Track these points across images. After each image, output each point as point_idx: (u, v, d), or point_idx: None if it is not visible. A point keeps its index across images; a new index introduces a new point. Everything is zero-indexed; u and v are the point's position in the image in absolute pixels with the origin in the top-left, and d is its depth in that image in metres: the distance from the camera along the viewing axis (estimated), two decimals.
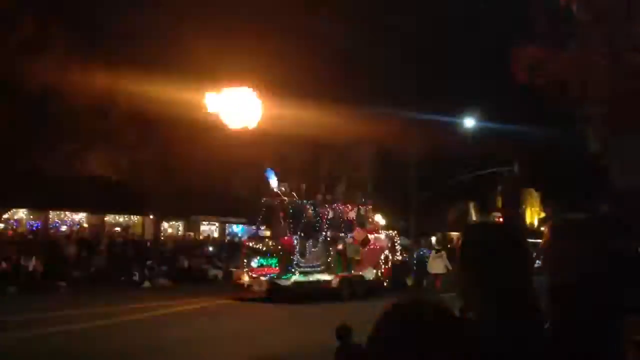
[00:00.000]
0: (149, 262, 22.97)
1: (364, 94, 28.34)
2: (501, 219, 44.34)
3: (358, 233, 19.16)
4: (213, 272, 24.81)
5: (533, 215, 58.03)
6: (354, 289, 18.02)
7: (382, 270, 19.80)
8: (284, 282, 16.73)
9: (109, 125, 20.74)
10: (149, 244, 25.95)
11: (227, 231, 33.34)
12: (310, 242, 17.68)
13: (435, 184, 29.70)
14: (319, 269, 17.74)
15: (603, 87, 10.03)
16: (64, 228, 25.15)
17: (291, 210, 18.24)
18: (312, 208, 18.64)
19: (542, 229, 1.96)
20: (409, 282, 21.59)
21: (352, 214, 19.84)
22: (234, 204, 30.11)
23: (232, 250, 28.27)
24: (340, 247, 18.39)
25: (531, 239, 1.81)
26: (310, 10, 24.62)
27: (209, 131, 20.03)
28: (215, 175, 24.11)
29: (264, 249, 17.60)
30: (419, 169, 29.87)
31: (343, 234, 18.87)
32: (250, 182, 23.32)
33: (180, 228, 31.36)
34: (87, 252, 21.78)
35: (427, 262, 21.80)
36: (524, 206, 56.16)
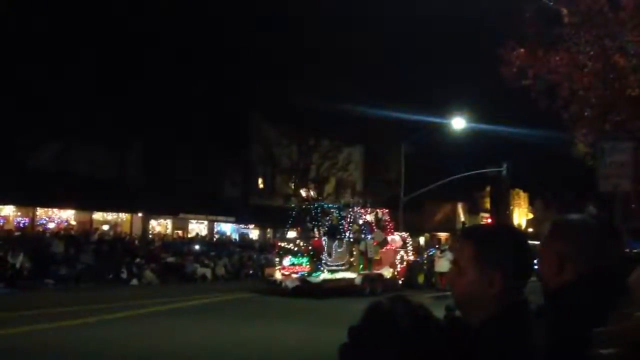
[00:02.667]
0: (137, 260, 22.87)
1: (356, 94, 28.43)
2: (490, 220, 44.64)
3: (377, 234, 20.67)
4: (201, 270, 24.75)
5: (521, 216, 58.40)
6: (373, 286, 19.17)
7: (398, 269, 21.12)
8: (314, 279, 18.10)
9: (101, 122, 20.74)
10: (137, 241, 25.84)
11: (215, 230, 33.25)
12: (335, 243, 19.01)
13: (423, 184, 29.77)
14: (343, 267, 19.11)
15: (591, 90, 10.12)
16: (51, 225, 24.94)
17: (319, 214, 19.86)
18: (337, 211, 20.18)
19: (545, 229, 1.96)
20: (420, 280, 22.62)
21: (371, 217, 21.38)
22: (223, 202, 30.13)
23: (220, 249, 28.28)
24: (361, 247, 19.77)
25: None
26: None
27: None
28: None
29: (295, 249, 18.95)
30: (407, 168, 29.93)
31: (363, 236, 20.30)
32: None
33: (169, 226, 31.22)
34: (75, 250, 21.63)
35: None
36: (511, 207, 56.47)
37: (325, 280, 18.30)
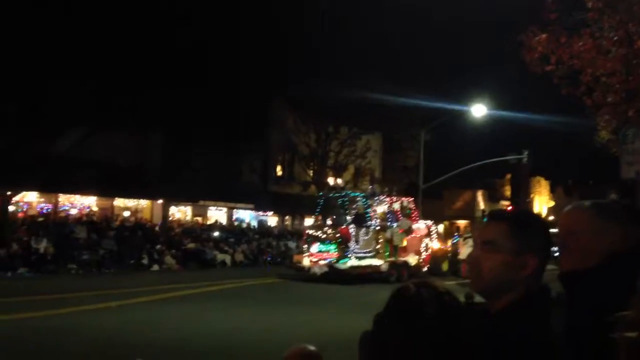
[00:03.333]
0: (157, 246, 23.16)
1: (375, 81, 28.29)
2: (510, 208, 44.29)
3: (403, 222, 21.10)
4: (220, 256, 25.00)
5: (541, 204, 57.83)
6: (399, 273, 19.50)
7: (423, 257, 21.52)
8: (341, 266, 18.62)
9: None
10: (157, 228, 26.14)
11: (234, 217, 33.48)
12: (362, 231, 19.49)
13: (442, 171, 29.62)
14: (370, 254, 19.54)
15: (614, 76, 9.95)
16: (73, 211, 25.33)
17: (346, 202, 20.41)
18: (363, 199, 20.61)
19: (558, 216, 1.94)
20: (444, 267, 22.97)
21: (396, 205, 21.78)
22: (241, 189, 30.30)
23: (239, 236, 28.52)
24: (387, 235, 20.17)
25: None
26: None
27: None
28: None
29: (324, 236, 19.55)
30: (426, 155, 29.79)
31: (389, 224, 20.73)
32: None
33: (188, 213, 31.51)
34: (97, 236, 21.97)
35: (459, 249, 23.44)
36: (532, 195, 55.92)
37: (352, 267, 18.76)
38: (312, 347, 2.10)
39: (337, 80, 27.89)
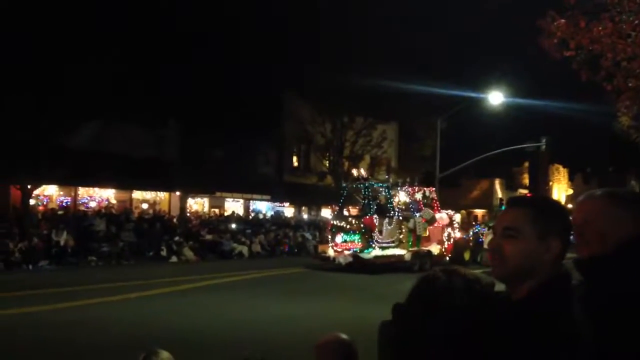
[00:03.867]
0: (176, 238, 23.32)
1: (390, 70, 28.11)
2: (529, 196, 43.89)
3: (425, 212, 21.22)
4: (238, 247, 25.10)
5: (560, 192, 57.22)
6: (422, 263, 19.72)
7: (446, 246, 21.77)
8: (366, 256, 18.84)
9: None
10: (175, 220, 26.31)
11: (251, 208, 33.61)
12: (386, 221, 19.66)
13: (459, 160, 29.40)
14: (393, 244, 19.72)
15: (635, 60, 9.75)
16: (92, 204, 25.62)
17: (370, 193, 20.64)
18: (385, 190, 20.82)
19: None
20: (467, 256, 23.04)
21: (418, 195, 22.01)
22: (258, 181, 30.40)
23: (256, 227, 28.61)
24: (410, 225, 20.36)
25: None
26: None
27: None
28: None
29: (348, 226, 19.83)
30: (443, 144, 29.57)
31: (412, 213, 20.97)
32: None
33: (206, 204, 31.68)
34: (116, 228, 22.17)
35: (481, 238, 23.65)
36: (551, 183, 55.34)
37: (376, 257, 18.96)
38: (344, 335, 2.08)
39: (352, 70, 27.76)
